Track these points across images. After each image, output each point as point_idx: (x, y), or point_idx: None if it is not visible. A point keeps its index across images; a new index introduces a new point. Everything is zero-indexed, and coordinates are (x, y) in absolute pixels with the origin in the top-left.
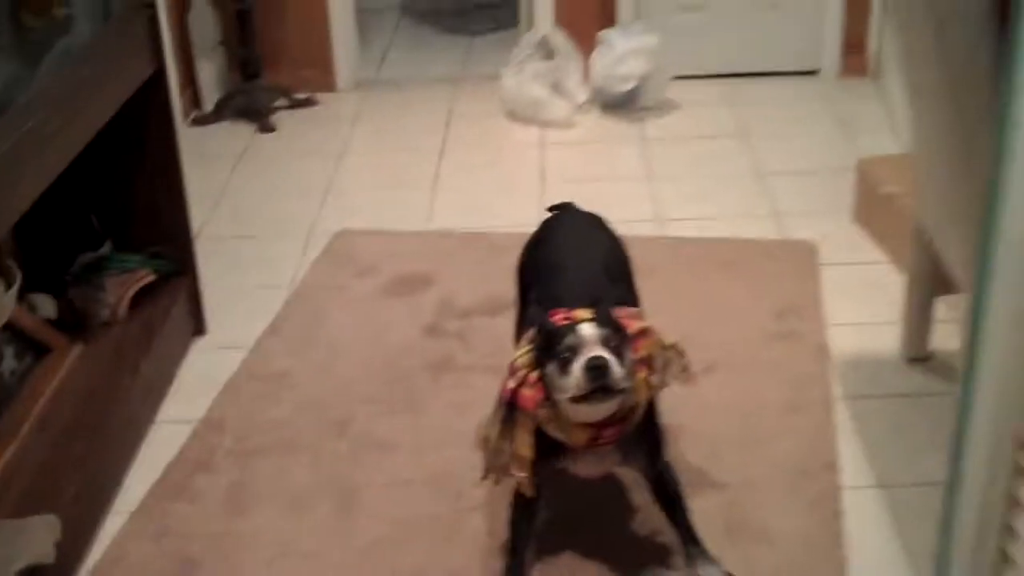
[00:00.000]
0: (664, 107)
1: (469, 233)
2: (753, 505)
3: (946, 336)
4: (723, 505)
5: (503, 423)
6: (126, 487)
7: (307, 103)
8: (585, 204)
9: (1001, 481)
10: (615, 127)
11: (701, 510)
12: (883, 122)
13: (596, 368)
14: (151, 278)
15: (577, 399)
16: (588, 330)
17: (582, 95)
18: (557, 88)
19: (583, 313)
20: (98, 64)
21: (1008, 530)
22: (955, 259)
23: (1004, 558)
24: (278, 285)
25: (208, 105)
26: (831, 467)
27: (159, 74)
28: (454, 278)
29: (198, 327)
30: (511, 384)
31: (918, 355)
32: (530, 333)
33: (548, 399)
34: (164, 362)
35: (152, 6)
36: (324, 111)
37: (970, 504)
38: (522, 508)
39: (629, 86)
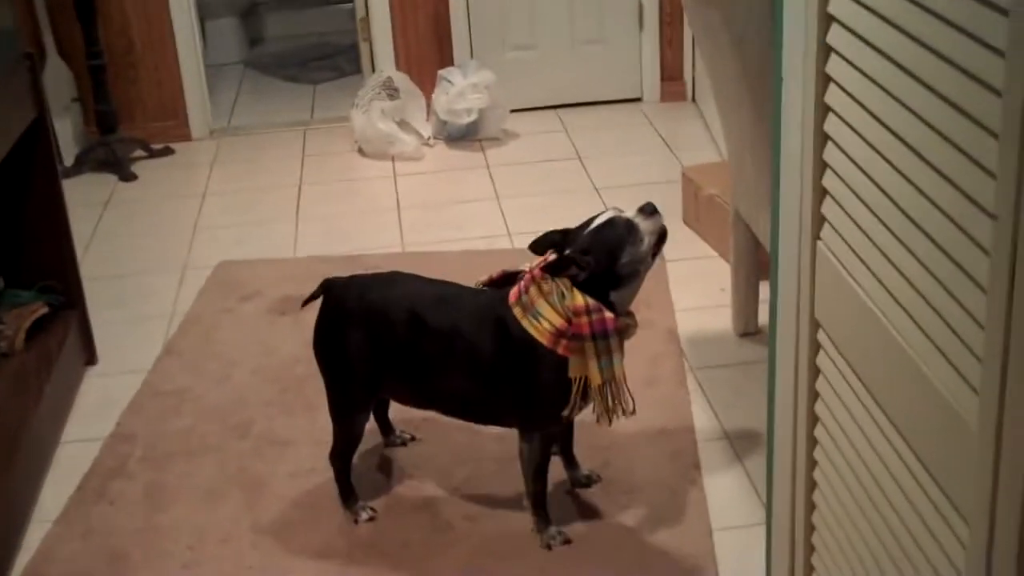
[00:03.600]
0: (504, 137)
1: (343, 256)
2: (624, 463)
3: None
4: (599, 466)
5: (608, 353)
6: (42, 501)
7: (165, 152)
8: (440, 225)
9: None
10: (461, 157)
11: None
12: (703, 139)
13: (650, 207)
14: (44, 310)
15: (657, 246)
16: (605, 212)
17: (427, 130)
18: (403, 124)
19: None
20: None
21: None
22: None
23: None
24: (159, 316)
25: (68, 159)
26: (687, 427)
27: (41, 119)
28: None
29: (89, 357)
30: (592, 319)
31: (748, 330)
32: (545, 285)
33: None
34: (63, 388)
35: (31, 57)
36: (182, 158)
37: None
38: (546, 453)
39: (470, 119)
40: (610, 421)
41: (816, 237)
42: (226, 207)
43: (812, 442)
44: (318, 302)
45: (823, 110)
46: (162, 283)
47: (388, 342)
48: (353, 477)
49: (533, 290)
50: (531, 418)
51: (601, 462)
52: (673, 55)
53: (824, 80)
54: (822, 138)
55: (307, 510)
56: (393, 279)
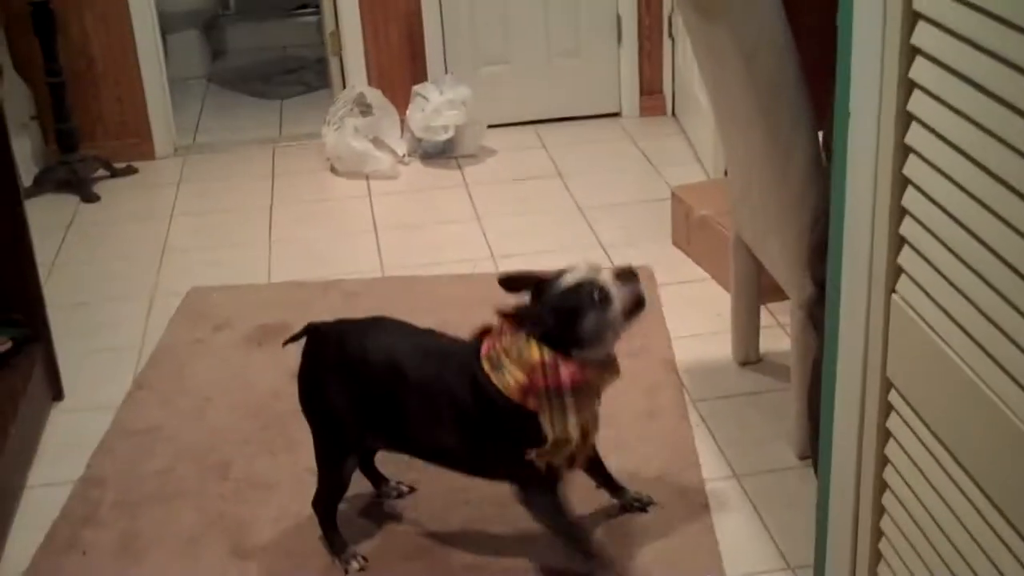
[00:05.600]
0: (481, 154)
1: (320, 282)
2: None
3: (772, 339)
4: (603, 506)
5: (562, 410)
6: (8, 551)
7: (128, 171)
8: (420, 247)
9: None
10: (437, 175)
11: (581, 516)
12: (686, 155)
13: (629, 273)
14: (7, 345)
15: (630, 312)
16: (579, 270)
17: (402, 147)
18: (377, 142)
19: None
20: None
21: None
22: (776, 262)
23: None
24: (127, 347)
25: (27, 180)
26: (692, 464)
27: (1, 144)
28: None
29: (56, 392)
30: (546, 373)
31: (748, 359)
32: (500, 338)
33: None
34: (29, 427)
35: None
36: (146, 178)
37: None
38: (556, 502)
39: (447, 136)
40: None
41: (891, 290)
42: (195, 229)
43: (880, 511)
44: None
45: (903, 152)
46: (130, 311)
47: (367, 393)
48: (341, 521)
49: (499, 344)
50: (519, 475)
51: (605, 502)
52: (652, 69)
53: (905, 119)
54: (901, 182)
55: (295, 559)
56: (374, 327)
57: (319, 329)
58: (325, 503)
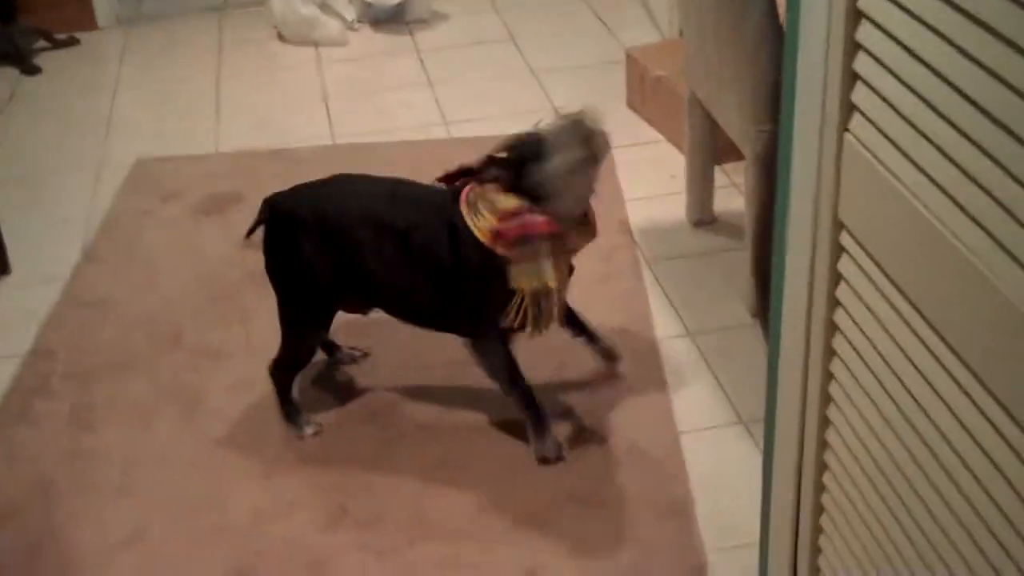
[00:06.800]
0: (433, 19)
1: (269, 150)
2: (580, 364)
3: (726, 199)
4: (555, 367)
5: (535, 259)
6: None
7: (70, 42)
8: (371, 114)
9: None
10: (388, 41)
11: (536, 378)
12: (641, 16)
13: (578, 119)
14: None
15: (588, 161)
16: (544, 123)
17: (351, 12)
18: (325, 7)
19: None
20: None
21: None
22: (731, 118)
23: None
24: (74, 219)
25: None
26: (646, 324)
27: None
28: (262, 193)
29: (2, 266)
30: (516, 222)
31: (703, 219)
32: (473, 188)
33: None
34: None
35: None
36: (88, 49)
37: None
38: (508, 353)
39: (397, 0)
40: (532, 333)
41: (843, 129)
42: (140, 100)
43: (830, 353)
44: None
45: None
46: (76, 184)
47: (347, 247)
48: (295, 389)
49: (478, 188)
50: (476, 320)
51: (557, 363)
52: None
53: None
54: (855, 16)
55: (249, 426)
56: (341, 182)
57: (281, 199)
58: (286, 369)
